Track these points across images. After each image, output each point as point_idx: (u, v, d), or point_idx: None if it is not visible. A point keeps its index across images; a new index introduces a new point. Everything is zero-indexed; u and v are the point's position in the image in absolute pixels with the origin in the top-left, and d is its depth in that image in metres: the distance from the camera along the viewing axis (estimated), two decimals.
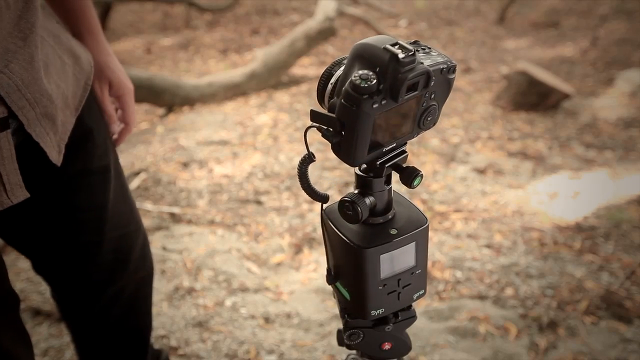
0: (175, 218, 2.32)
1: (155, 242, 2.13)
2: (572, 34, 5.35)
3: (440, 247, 2.11)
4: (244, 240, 2.16)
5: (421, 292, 0.68)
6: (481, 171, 2.74)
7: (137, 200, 2.39)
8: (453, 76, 0.56)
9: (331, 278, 0.67)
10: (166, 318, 1.72)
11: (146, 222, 2.25)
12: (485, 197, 2.49)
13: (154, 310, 1.75)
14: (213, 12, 6.58)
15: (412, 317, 0.74)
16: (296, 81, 4.22)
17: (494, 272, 1.94)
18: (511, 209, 2.38)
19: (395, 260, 0.62)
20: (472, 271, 1.95)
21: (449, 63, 0.55)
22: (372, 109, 0.50)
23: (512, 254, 2.05)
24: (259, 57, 4.11)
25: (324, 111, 0.56)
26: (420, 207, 2.48)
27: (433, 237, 2.17)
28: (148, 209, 2.35)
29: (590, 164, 2.81)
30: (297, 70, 4.43)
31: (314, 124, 0.55)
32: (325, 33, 4.35)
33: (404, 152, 0.61)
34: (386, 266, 0.62)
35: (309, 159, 0.61)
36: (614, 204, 2.39)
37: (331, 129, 0.53)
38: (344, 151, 0.54)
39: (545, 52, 4.88)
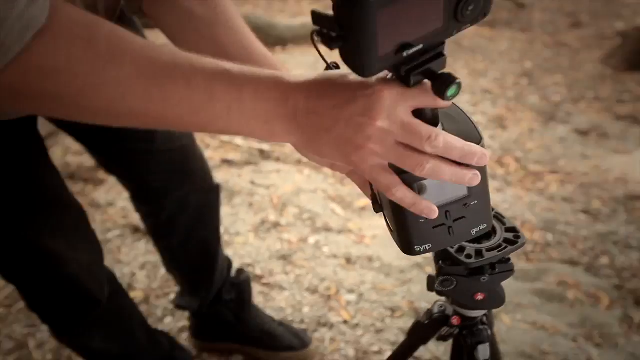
0: (264, 155, 2.37)
1: (244, 176, 2.19)
2: None
3: (531, 207, 2.02)
4: (330, 182, 2.17)
5: (483, 227, 0.58)
6: (583, 133, 2.56)
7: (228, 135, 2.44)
8: None
9: (378, 207, 0.59)
10: (252, 248, 1.79)
11: (236, 156, 2.32)
12: (586, 160, 2.33)
13: (241, 239, 1.83)
14: None
15: (510, 271, 0.72)
16: None
17: (589, 238, 1.84)
18: (614, 175, 2.22)
19: (438, 188, 0.53)
20: (565, 235, 1.86)
21: None
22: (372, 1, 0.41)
23: (611, 222, 1.93)
24: None
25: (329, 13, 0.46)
26: (513, 165, 2.38)
27: (524, 197, 2.08)
28: (238, 144, 2.41)
29: None
30: None
31: (316, 27, 0.46)
32: None
33: (439, 55, 0.48)
34: (428, 195, 0.53)
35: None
36: None
37: (333, 33, 0.45)
38: (350, 58, 0.46)
39: None
